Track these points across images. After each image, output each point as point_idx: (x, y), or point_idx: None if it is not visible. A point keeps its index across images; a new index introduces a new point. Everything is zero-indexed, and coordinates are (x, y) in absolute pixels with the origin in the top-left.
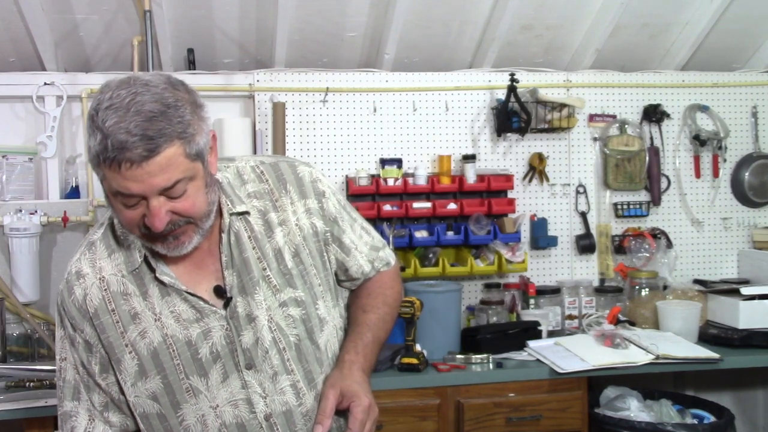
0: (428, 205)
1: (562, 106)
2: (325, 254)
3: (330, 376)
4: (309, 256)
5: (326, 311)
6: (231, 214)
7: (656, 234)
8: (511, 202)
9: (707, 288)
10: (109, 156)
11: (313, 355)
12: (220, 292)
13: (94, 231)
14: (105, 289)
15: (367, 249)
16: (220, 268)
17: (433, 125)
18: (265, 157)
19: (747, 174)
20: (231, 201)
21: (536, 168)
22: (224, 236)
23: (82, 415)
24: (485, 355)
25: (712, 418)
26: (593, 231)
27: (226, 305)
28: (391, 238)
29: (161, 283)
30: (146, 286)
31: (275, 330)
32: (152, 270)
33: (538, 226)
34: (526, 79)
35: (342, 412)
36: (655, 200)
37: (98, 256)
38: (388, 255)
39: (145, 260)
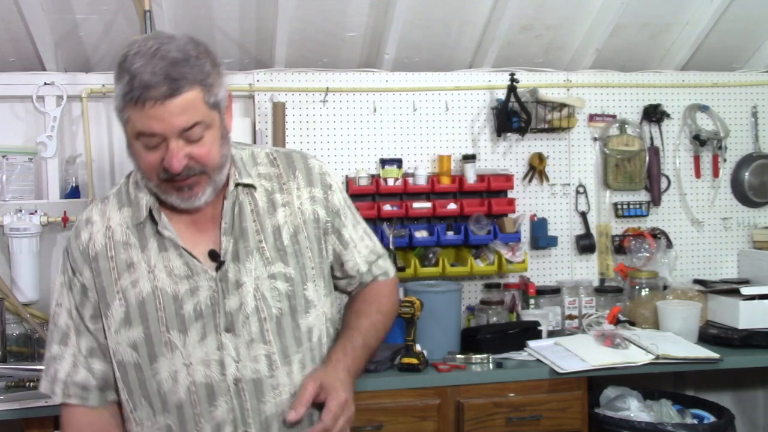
0: (428, 205)
1: (562, 106)
2: (323, 242)
3: (313, 371)
4: (306, 239)
5: (315, 296)
6: (237, 185)
7: (656, 234)
8: (511, 202)
9: (707, 288)
10: (135, 95)
11: (292, 332)
12: (214, 255)
13: (111, 189)
14: (109, 237)
15: (366, 251)
16: (218, 234)
17: (433, 125)
18: (281, 148)
19: (747, 174)
20: (239, 173)
21: (536, 168)
22: (227, 203)
23: (67, 360)
24: (485, 355)
25: (712, 418)
26: (593, 231)
27: (218, 268)
28: (391, 238)
29: (161, 237)
30: (147, 240)
31: (260, 299)
32: (155, 223)
33: (538, 226)
34: (526, 79)
35: (319, 406)
36: (655, 200)
37: (109, 208)
38: (388, 266)
39: (150, 216)
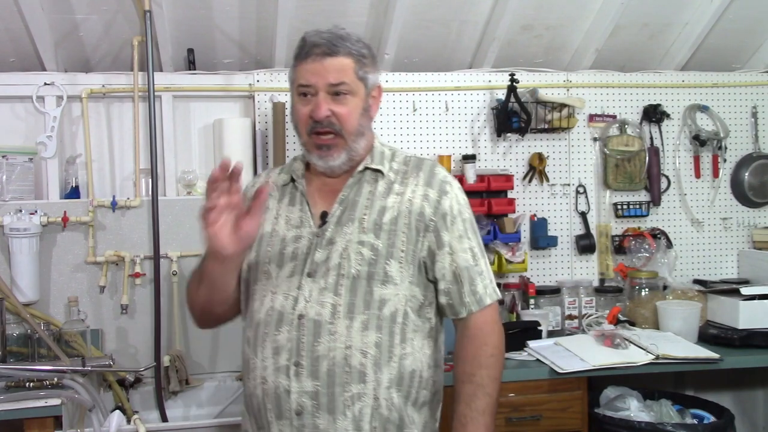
0: None
1: (562, 106)
2: (421, 235)
3: None
4: (405, 226)
5: (398, 275)
6: (366, 168)
7: (656, 234)
8: (511, 202)
9: (707, 288)
10: (304, 51)
11: (363, 295)
12: (323, 216)
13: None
14: None
15: (465, 264)
16: (334, 201)
17: (433, 125)
18: (422, 156)
19: (747, 174)
20: (372, 159)
21: (536, 168)
22: (351, 180)
23: None
24: None
25: (712, 418)
26: (593, 231)
27: (320, 226)
28: None
29: (294, 194)
30: (284, 196)
31: (344, 258)
32: (295, 185)
33: (538, 226)
34: (526, 79)
35: None
36: (655, 200)
37: (275, 171)
38: (485, 291)
39: (292, 181)
